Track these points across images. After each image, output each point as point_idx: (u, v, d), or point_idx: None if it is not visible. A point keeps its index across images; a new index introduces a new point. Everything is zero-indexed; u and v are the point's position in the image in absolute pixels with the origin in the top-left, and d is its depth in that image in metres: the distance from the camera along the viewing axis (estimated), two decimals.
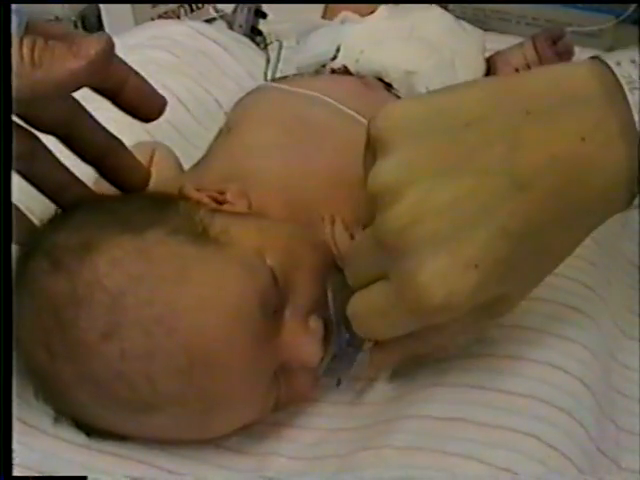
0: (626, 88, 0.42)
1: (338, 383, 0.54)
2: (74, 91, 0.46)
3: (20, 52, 0.43)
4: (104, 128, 0.54)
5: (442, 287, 0.42)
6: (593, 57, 0.45)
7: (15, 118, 0.47)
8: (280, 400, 0.52)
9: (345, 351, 0.53)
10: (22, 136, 0.49)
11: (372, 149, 0.45)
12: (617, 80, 0.43)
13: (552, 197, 0.42)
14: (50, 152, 0.52)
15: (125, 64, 0.51)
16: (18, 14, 0.47)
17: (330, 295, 0.52)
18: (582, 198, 0.43)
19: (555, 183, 0.42)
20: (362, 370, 0.53)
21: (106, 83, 0.49)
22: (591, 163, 0.42)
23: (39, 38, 0.44)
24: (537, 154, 0.42)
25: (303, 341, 0.51)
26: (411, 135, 0.44)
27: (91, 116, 0.53)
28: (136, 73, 0.52)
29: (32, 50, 0.43)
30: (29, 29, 0.48)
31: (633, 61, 0.43)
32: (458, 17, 0.78)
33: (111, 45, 0.46)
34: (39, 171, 0.52)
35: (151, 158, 0.65)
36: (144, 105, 0.52)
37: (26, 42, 0.43)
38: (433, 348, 0.50)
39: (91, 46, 0.45)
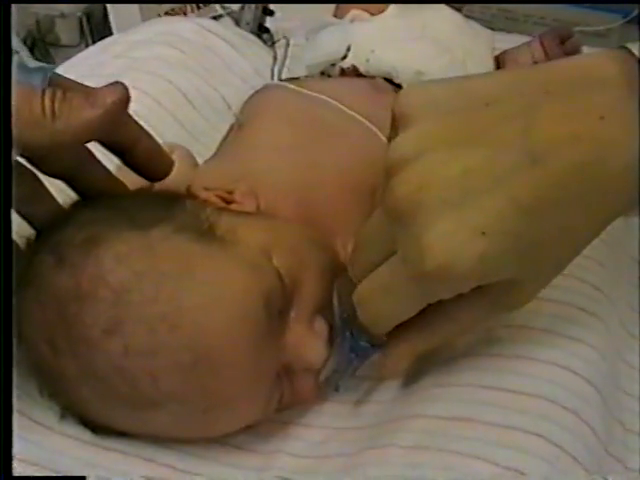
0: None
1: (337, 389, 0.54)
2: (90, 141, 0.47)
3: (42, 104, 0.44)
4: (105, 168, 0.54)
5: (445, 249, 0.42)
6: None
7: (21, 160, 0.48)
8: (283, 402, 0.52)
9: (348, 357, 0.52)
10: (25, 178, 0.50)
11: (395, 127, 0.46)
12: (638, 62, 0.43)
13: (568, 174, 0.42)
14: (50, 194, 0.53)
15: (138, 124, 0.52)
16: (43, 70, 0.49)
17: (336, 298, 0.52)
18: (600, 178, 0.42)
19: (572, 160, 0.42)
20: (371, 369, 0.53)
21: (119, 138, 0.51)
22: (610, 142, 0.42)
23: (59, 90, 0.45)
24: (555, 130, 0.42)
25: (307, 342, 0.51)
26: (431, 111, 0.44)
27: (94, 157, 0.53)
28: (148, 135, 0.53)
29: (52, 102, 0.44)
30: (51, 83, 0.49)
31: None
32: (465, 16, 0.78)
33: (127, 95, 0.46)
34: (39, 213, 0.52)
35: None
36: (152, 166, 0.53)
37: (47, 94, 0.44)
38: (445, 341, 0.50)
39: (107, 96, 0.46)
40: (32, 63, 0.85)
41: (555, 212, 0.43)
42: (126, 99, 0.46)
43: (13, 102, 0.43)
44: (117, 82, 0.47)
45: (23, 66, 0.49)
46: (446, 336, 0.49)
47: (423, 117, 0.44)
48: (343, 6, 0.83)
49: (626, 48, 0.44)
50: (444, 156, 0.43)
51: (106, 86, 0.46)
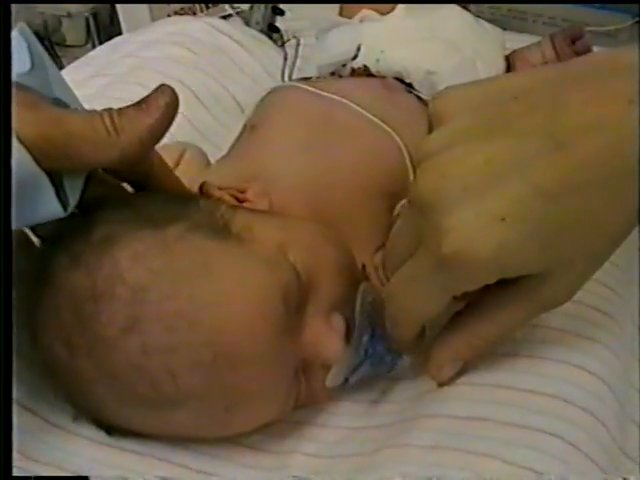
0: None
1: (345, 381, 0.53)
2: (153, 146, 0.48)
3: (104, 125, 0.45)
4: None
5: (463, 235, 0.42)
6: None
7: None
8: (299, 399, 0.52)
9: (362, 357, 0.52)
10: None
11: (431, 128, 0.46)
12: None
13: (595, 157, 0.41)
14: None
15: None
16: None
17: (359, 300, 0.51)
18: (629, 162, 0.41)
19: (599, 143, 0.41)
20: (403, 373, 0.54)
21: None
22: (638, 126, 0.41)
23: (110, 108, 0.45)
24: (581, 115, 0.42)
25: (324, 337, 0.51)
26: (463, 109, 0.45)
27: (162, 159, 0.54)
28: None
29: (112, 119, 0.45)
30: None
31: None
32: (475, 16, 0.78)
33: (176, 95, 0.47)
34: None
35: (179, 158, 0.65)
36: None
37: (104, 114, 0.45)
38: (488, 345, 0.49)
39: (159, 99, 0.46)
40: None
41: (579, 196, 0.42)
42: (177, 98, 0.47)
43: (72, 128, 0.44)
44: (162, 85, 0.47)
45: None
46: (488, 339, 0.49)
47: (454, 114, 0.45)
48: (351, 5, 0.83)
49: None
50: (468, 147, 0.43)
51: (153, 91, 0.46)
